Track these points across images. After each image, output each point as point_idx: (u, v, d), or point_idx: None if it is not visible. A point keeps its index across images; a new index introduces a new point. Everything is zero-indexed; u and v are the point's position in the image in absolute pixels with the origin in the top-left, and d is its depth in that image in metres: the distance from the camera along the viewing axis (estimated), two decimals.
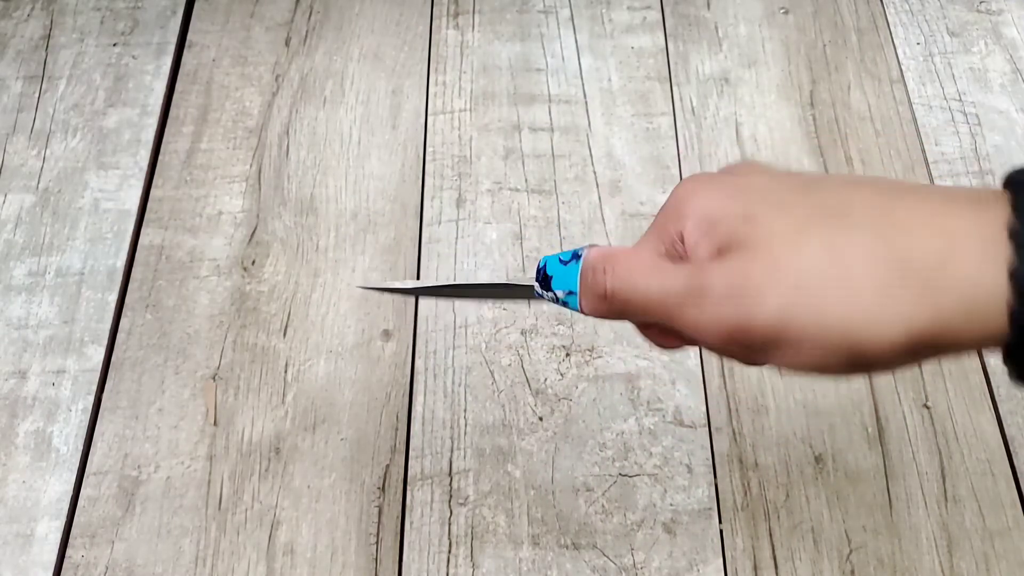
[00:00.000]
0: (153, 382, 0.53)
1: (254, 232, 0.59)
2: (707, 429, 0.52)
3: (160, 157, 0.62)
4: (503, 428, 0.52)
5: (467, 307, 0.56)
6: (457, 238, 0.59)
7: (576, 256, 0.31)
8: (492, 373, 0.54)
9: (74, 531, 0.48)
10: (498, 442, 0.51)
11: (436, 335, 0.55)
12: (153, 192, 0.61)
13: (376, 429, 0.52)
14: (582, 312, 0.31)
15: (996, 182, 0.63)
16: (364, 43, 0.68)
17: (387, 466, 0.51)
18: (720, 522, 0.49)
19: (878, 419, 0.52)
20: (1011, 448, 0.51)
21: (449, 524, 0.49)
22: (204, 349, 0.54)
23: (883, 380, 0.53)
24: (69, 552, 0.48)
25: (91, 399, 0.53)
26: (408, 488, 0.50)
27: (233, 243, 0.59)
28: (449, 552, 0.48)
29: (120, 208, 0.60)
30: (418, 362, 0.54)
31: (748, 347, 0.26)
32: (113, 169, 0.62)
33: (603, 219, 0.59)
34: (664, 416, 0.52)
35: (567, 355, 0.54)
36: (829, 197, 0.26)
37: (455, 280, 0.56)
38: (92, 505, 0.49)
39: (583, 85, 0.66)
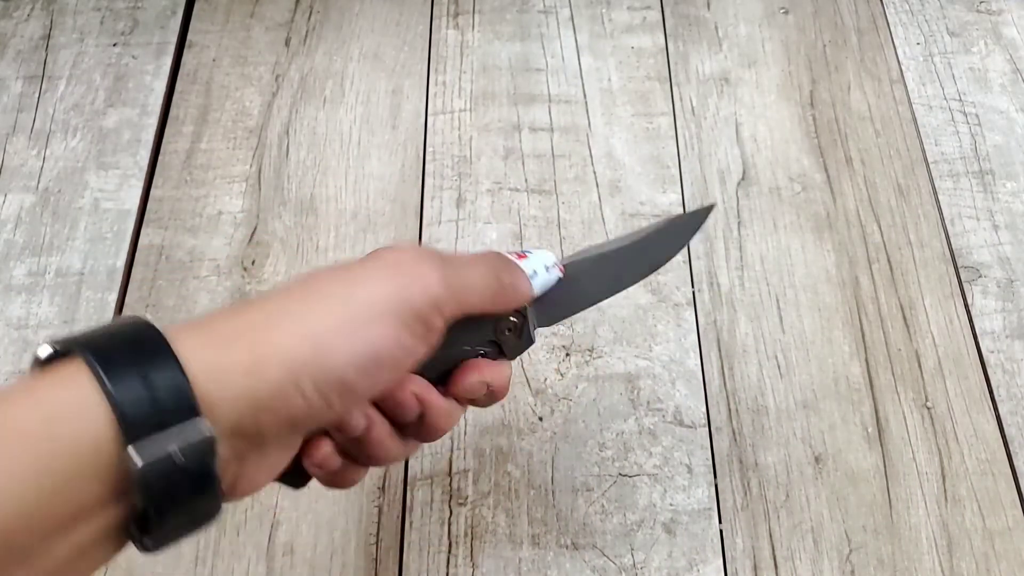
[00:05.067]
0: None
1: (254, 232, 0.59)
2: (707, 429, 0.52)
3: (160, 157, 0.63)
4: (503, 428, 0.52)
5: None
6: (457, 238, 0.59)
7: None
8: None
9: None
10: (498, 442, 0.51)
11: None
12: (153, 192, 0.61)
13: None
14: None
15: (995, 182, 0.63)
16: (364, 43, 0.68)
17: (387, 466, 0.51)
18: (720, 522, 0.49)
19: (878, 419, 0.52)
20: (1011, 448, 0.51)
21: (449, 524, 0.49)
22: None
23: (883, 380, 0.53)
24: None
25: None
26: (408, 488, 0.50)
27: (233, 243, 0.59)
28: (449, 552, 0.48)
29: (120, 208, 0.60)
30: None
31: None
32: (113, 169, 0.62)
33: (603, 219, 0.59)
34: (664, 416, 0.52)
35: (567, 355, 0.54)
36: None
37: None
38: None
39: (583, 85, 0.66)
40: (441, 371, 0.33)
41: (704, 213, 0.40)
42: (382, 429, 0.32)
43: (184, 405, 0.24)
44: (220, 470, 0.25)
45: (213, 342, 0.26)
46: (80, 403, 0.23)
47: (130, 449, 0.23)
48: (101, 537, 0.24)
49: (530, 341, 0.35)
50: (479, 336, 0.34)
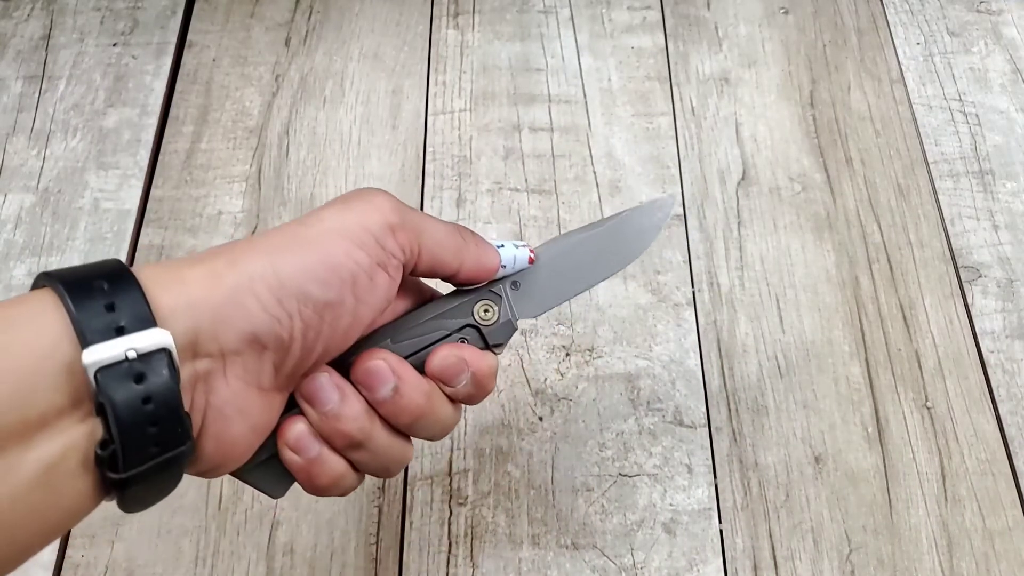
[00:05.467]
0: None
1: (254, 232, 0.59)
2: (707, 429, 0.52)
3: (160, 157, 0.63)
4: (503, 428, 0.52)
5: None
6: None
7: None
8: None
9: (74, 531, 0.48)
10: (498, 442, 0.51)
11: None
12: (153, 192, 0.61)
13: None
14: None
15: (995, 182, 0.63)
16: (364, 43, 0.68)
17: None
18: (720, 522, 0.49)
19: (878, 419, 0.52)
20: (1011, 448, 0.51)
21: (449, 524, 0.49)
22: None
23: (883, 380, 0.53)
24: (69, 552, 0.48)
25: None
26: (408, 488, 0.50)
27: None
28: (449, 552, 0.48)
29: (120, 208, 0.60)
30: None
31: None
32: (113, 169, 0.62)
33: None
34: (664, 416, 0.52)
35: (567, 355, 0.54)
36: None
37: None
38: None
39: (583, 85, 0.66)
40: (418, 356, 0.33)
41: (667, 203, 0.40)
42: (356, 404, 0.31)
43: (141, 315, 0.25)
44: (184, 392, 0.26)
45: (174, 265, 0.28)
46: (39, 314, 0.25)
47: (84, 352, 0.24)
48: (67, 460, 0.25)
49: (511, 328, 0.35)
50: (456, 317, 0.34)
